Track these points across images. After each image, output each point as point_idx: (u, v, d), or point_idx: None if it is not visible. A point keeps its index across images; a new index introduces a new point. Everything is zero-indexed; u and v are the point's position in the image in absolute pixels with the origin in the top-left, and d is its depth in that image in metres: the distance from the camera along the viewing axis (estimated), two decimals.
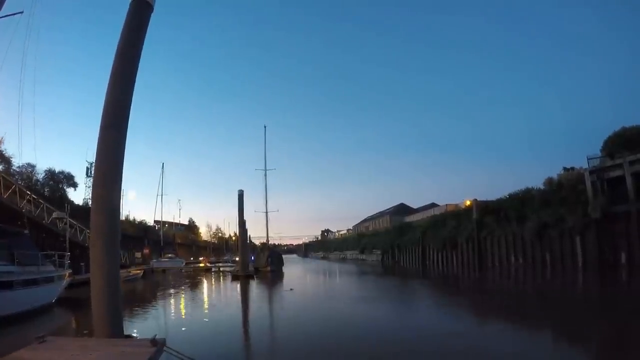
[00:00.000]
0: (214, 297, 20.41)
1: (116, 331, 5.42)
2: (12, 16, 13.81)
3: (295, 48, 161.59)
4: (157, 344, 4.56)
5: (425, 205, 61.50)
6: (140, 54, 6.61)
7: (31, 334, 5.31)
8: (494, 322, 10.70)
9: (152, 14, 6.90)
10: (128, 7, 6.62)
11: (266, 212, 45.30)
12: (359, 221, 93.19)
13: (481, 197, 33.49)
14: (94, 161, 26.50)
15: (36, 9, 14.27)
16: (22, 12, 14.04)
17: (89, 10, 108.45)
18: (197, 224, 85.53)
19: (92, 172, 33.86)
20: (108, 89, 6.19)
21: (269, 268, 35.27)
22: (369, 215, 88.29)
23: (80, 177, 35.94)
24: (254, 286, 24.62)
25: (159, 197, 54.19)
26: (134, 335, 5.97)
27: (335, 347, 7.96)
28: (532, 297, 15.73)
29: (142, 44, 6.66)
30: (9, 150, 25.34)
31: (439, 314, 12.50)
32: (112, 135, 6.01)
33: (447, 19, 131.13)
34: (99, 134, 6.02)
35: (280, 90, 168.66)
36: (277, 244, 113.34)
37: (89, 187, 35.62)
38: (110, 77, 6.27)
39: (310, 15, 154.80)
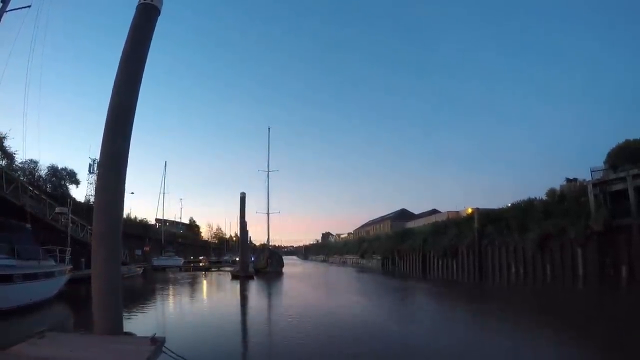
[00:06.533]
0: (213, 297, 20.43)
1: (116, 328, 5.44)
2: (19, 10, 13.93)
3: (301, 50, 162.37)
4: (157, 343, 4.58)
5: (427, 212, 61.44)
6: (146, 57, 6.58)
7: (30, 328, 5.34)
8: None
9: (159, 17, 6.89)
10: (135, 9, 6.62)
11: (267, 214, 45.38)
12: (360, 225, 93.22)
13: (482, 206, 33.52)
14: (96, 158, 26.40)
15: (44, 3, 14.36)
16: (29, 6, 14.11)
17: (98, 8, 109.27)
18: (198, 223, 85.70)
19: (95, 169, 34.10)
20: (113, 92, 6.17)
21: (268, 269, 35.30)
22: (370, 219, 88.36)
23: (83, 174, 35.85)
24: (253, 286, 24.70)
25: (161, 196, 54.44)
26: (133, 333, 5.95)
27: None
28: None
29: (148, 48, 6.64)
30: (12, 146, 25.36)
31: None
32: (116, 142, 6.00)
33: (455, 34, 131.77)
34: (103, 140, 6.02)
35: (284, 92, 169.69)
36: (277, 245, 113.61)
37: (91, 183, 35.57)
38: (115, 80, 6.25)
39: (317, 17, 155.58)
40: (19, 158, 25.87)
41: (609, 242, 21.09)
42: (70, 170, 32.96)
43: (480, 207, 33.09)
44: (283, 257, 43.50)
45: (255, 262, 38.20)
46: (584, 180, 25.51)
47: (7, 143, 24.91)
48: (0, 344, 5.04)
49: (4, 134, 24.68)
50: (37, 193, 23.14)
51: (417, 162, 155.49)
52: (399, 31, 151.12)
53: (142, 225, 47.24)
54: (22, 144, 28.99)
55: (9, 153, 25.36)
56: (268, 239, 48.49)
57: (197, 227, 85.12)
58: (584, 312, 13.53)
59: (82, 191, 38.06)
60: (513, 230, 27.15)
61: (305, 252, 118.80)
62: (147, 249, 44.88)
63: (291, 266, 48.65)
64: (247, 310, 15.53)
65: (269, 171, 45.52)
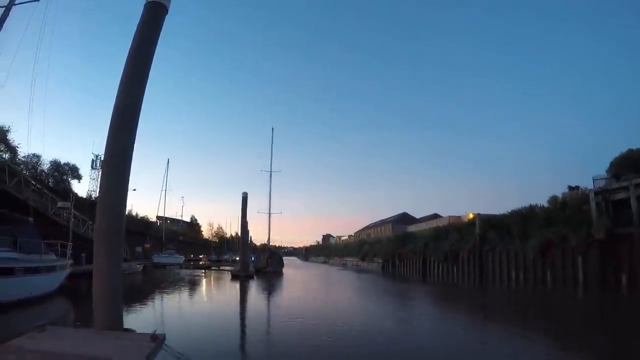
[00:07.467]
0: (212, 296, 20.45)
1: (116, 324, 5.46)
2: (27, 4, 13.99)
3: (306, 50, 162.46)
4: (157, 340, 4.60)
5: (428, 216, 61.38)
6: (152, 56, 6.58)
7: (31, 322, 5.36)
8: None
9: (167, 16, 6.88)
10: (142, 8, 6.63)
11: (269, 214, 45.40)
12: (361, 228, 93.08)
13: (484, 211, 33.46)
14: (100, 154, 26.44)
15: None
16: (38, 0, 14.17)
17: (106, 3, 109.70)
18: (199, 221, 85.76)
19: (98, 165, 34.17)
20: (119, 90, 6.19)
21: (268, 269, 35.30)
22: (372, 222, 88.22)
23: (85, 169, 35.94)
24: (253, 286, 24.71)
25: (163, 193, 54.49)
26: (133, 329, 5.96)
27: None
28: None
29: (155, 46, 6.64)
30: (16, 139, 25.41)
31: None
32: (120, 141, 6.03)
33: (459, 44, 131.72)
34: (108, 138, 6.04)
35: (289, 92, 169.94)
36: (278, 245, 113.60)
37: (94, 179, 35.77)
38: (122, 78, 6.26)
39: (323, 15, 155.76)
40: (23, 152, 25.98)
41: (610, 250, 20.98)
42: (72, 165, 33.10)
43: (482, 212, 33.06)
44: (283, 258, 43.47)
45: (256, 262, 38.21)
46: (586, 188, 25.46)
47: (10, 136, 24.99)
48: (1, 337, 5.07)
49: (7, 127, 24.75)
50: (40, 187, 23.23)
51: (421, 166, 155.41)
52: (399, 30, 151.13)
53: (144, 222, 47.32)
54: (27, 138, 29.14)
55: (12, 146, 25.42)
56: (269, 239, 48.52)
57: (198, 225, 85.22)
58: (584, 319, 13.51)
59: (84, 186, 38.17)
60: (514, 236, 27.07)
61: (305, 253, 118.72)
62: (147, 246, 44.97)
63: (291, 267, 48.64)
64: (247, 310, 15.53)
65: (271, 171, 45.60)
